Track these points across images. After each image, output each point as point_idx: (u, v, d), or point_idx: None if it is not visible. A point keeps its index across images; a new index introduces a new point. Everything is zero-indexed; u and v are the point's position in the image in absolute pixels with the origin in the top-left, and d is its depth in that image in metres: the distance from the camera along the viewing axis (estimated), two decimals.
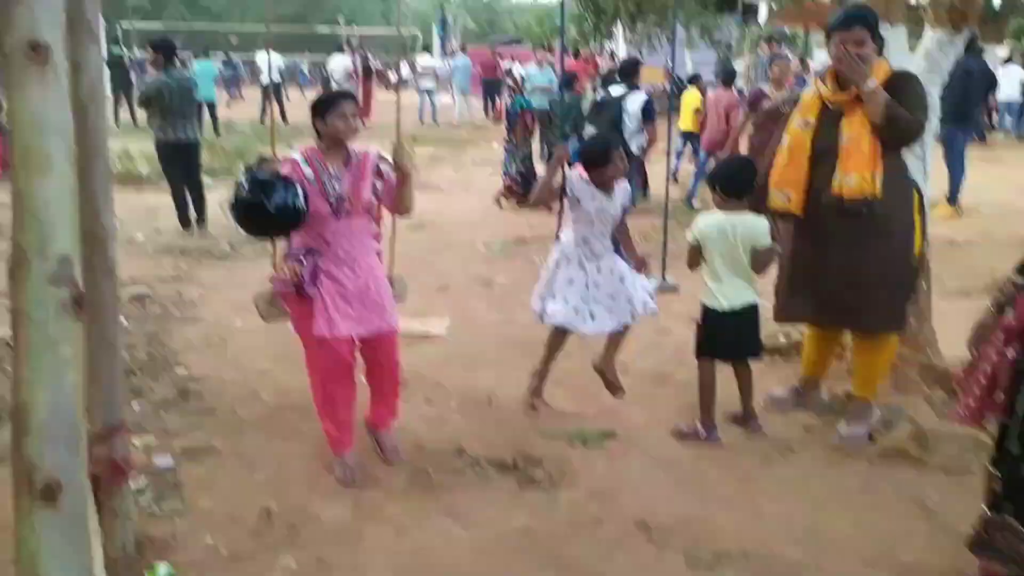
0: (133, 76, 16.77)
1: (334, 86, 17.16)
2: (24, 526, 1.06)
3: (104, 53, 18.88)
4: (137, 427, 3.36)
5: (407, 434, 3.33)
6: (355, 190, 2.98)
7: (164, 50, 6.80)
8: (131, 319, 4.74)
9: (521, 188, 8.22)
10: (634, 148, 6.98)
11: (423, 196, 9.14)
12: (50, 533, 1.06)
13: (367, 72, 17.20)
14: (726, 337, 3.23)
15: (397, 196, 3.11)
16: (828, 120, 3.17)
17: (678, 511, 2.82)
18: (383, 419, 3.25)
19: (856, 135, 3.06)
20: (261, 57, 18.31)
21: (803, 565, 2.51)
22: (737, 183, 3.20)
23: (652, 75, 20.10)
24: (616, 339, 3.53)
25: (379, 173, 3.09)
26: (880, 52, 3.10)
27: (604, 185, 3.33)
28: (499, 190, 8.67)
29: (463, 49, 19.78)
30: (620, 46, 19.41)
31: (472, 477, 3.07)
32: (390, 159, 3.04)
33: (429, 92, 17.51)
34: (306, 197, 2.82)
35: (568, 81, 8.55)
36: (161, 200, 7.93)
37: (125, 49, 19.43)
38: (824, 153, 3.14)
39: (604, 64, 16.33)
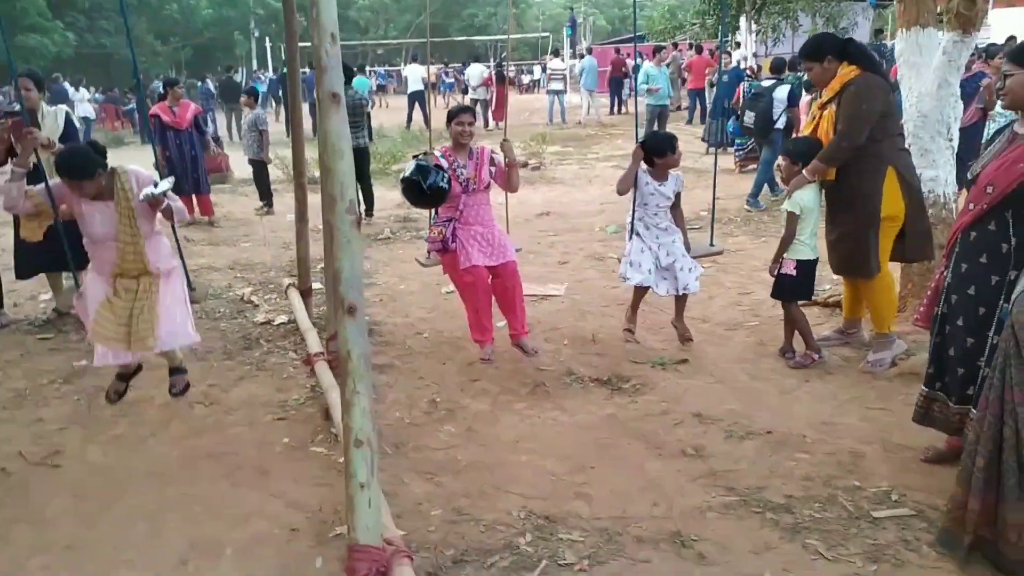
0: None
1: (470, 91, 18.72)
2: (341, 327, 2.27)
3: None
4: None
5: (531, 361, 4.46)
6: (477, 174, 4.35)
7: (344, 72, 8.33)
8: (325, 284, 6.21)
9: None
10: (780, 125, 8.37)
11: (549, 189, 10.39)
12: (352, 331, 2.25)
13: (500, 78, 18.60)
14: (811, 282, 4.22)
15: (507, 178, 4.48)
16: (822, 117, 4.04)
17: (727, 408, 3.80)
18: (518, 330, 4.44)
19: (823, 134, 3.96)
20: (407, 69, 20.14)
21: (811, 439, 3.44)
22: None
23: None
24: (681, 302, 4.59)
25: (492, 162, 4.45)
26: (847, 61, 3.85)
27: (658, 175, 4.35)
28: None
29: (589, 51, 20.77)
30: (745, 39, 19.74)
31: (577, 388, 4.17)
32: (500, 152, 4.44)
33: (558, 93, 18.66)
34: (450, 180, 4.15)
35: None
36: None
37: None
38: None
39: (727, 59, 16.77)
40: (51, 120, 5.07)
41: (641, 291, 4.55)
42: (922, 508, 2.86)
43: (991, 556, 2.46)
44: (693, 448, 3.40)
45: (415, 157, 4.23)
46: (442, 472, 3.30)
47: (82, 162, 3.39)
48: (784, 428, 3.56)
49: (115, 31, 32.51)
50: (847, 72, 3.85)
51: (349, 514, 2.22)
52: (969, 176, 2.93)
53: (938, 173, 4.25)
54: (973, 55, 7.71)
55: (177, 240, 3.97)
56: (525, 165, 11.93)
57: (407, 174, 4.13)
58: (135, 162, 8.94)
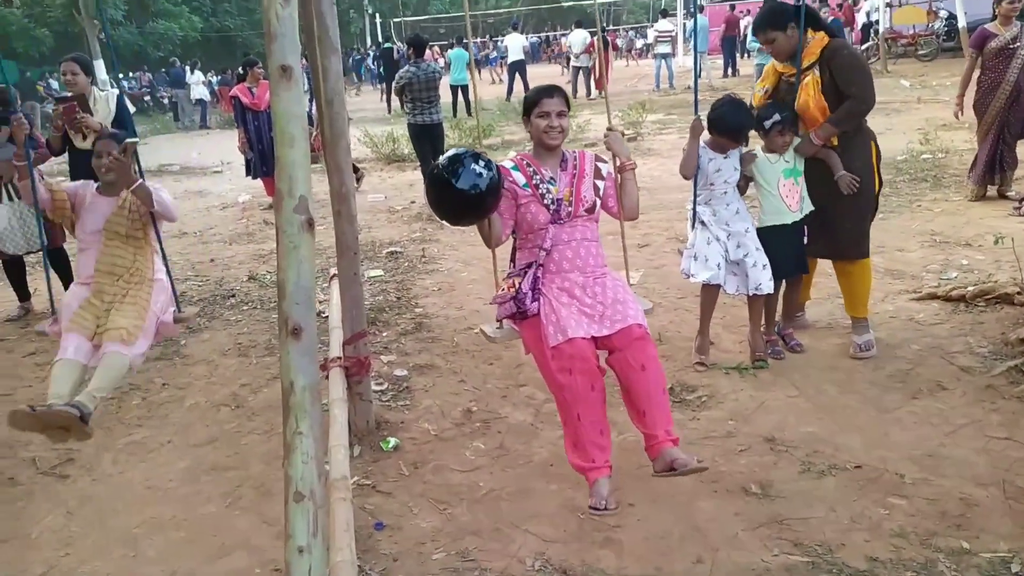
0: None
1: (572, 59, 18.04)
2: (283, 352, 1.87)
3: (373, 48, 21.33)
4: (384, 349, 4.40)
5: None
6: (575, 190, 2.81)
7: (415, 46, 8.01)
8: (387, 270, 5.92)
9: None
10: None
11: (643, 161, 9.67)
12: (296, 356, 1.85)
13: (604, 43, 17.73)
14: None
15: (621, 194, 2.95)
16: (784, 88, 3.73)
17: (807, 431, 3.16)
18: (661, 435, 2.54)
19: (804, 102, 3.58)
20: (508, 39, 19.65)
21: (910, 479, 2.77)
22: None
23: (913, 15, 18.29)
24: (756, 309, 3.78)
25: (599, 174, 2.92)
26: (808, 29, 3.56)
27: (721, 148, 3.64)
28: None
29: (701, 9, 19.50)
30: None
31: None
32: (606, 158, 3.00)
33: (665, 57, 17.62)
34: (496, 184, 2.63)
35: None
36: (416, 176, 9.32)
37: (396, 42, 21.95)
38: None
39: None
40: (103, 105, 4.98)
41: (711, 293, 3.81)
42: None
43: None
44: (758, 484, 2.82)
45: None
46: (457, 501, 2.89)
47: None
48: (877, 462, 2.90)
49: (238, 13, 33.80)
50: (821, 38, 3.58)
51: None
52: None
53: None
54: None
55: (164, 258, 3.66)
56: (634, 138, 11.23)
57: (436, 166, 2.67)
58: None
